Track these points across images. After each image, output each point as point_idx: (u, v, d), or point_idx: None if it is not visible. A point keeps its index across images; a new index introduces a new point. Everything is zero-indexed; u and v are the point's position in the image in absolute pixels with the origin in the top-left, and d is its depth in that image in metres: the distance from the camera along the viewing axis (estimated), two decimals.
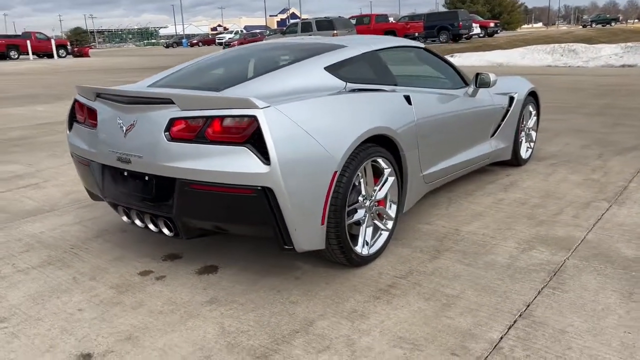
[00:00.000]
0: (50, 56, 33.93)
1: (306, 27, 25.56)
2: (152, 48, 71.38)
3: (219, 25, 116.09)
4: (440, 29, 29.54)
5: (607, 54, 17.60)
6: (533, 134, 4.97)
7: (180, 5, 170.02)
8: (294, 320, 2.36)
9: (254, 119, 2.32)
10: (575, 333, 2.20)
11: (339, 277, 2.75)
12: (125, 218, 2.91)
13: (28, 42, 33.04)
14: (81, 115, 3.04)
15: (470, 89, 3.95)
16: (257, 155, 2.32)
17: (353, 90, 2.95)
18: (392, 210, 3.04)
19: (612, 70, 15.28)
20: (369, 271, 2.81)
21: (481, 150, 4.10)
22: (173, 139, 2.49)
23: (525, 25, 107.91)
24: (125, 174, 2.72)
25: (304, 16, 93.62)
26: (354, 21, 27.97)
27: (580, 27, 65.51)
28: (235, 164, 2.34)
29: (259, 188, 2.33)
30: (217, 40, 54.92)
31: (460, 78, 4.00)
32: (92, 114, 2.92)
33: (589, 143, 5.72)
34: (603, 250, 2.99)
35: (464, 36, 30.12)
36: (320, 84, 2.90)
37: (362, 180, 2.77)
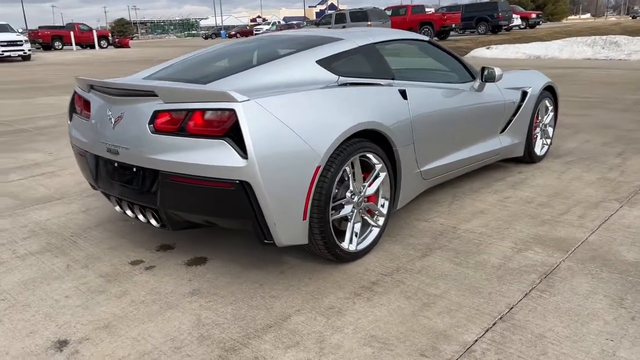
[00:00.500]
0: (93, 47, 34.84)
1: (340, 18, 25.39)
2: (192, 39, 72.28)
3: (258, 17, 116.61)
4: (478, 20, 28.91)
5: None
6: (550, 130, 4.80)
7: None
8: (270, 314, 2.36)
9: (232, 112, 2.32)
10: (554, 338, 2.12)
11: (324, 273, 2.73)
12: (117, 208, 2.97)
13: (71, 33, 34.01)
14: (79, 106, 3.11)
15: (477, 84, 3.84)
16: (235, 149, 2.32)
17: (344, 84, 2.90)
18: (384, 207, 3.00)
19: None
20: (356, 267, 2.78)
21: (489, 146, 3.99)
22: (157, 131, 2.51)
23: (572, 17, 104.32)
24: (116, 165, 2.77)
25: (341, 7, 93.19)
26: (389, 12, 27.64)
27: (630, 18, 62.95)
28: (214, 157, 2.35)
29: (237, 182, 2.34)
30: (254, 32, 55.26)
31: (467, 72, 3.89)
32: (87, 105, 2.98)
33: (611, 140, 5.49)
34: (602, 253, 2.87)
35: (503, 27, 29.33)
36: (311, 78, 2.87)
37: (350, 176, 2.74)
